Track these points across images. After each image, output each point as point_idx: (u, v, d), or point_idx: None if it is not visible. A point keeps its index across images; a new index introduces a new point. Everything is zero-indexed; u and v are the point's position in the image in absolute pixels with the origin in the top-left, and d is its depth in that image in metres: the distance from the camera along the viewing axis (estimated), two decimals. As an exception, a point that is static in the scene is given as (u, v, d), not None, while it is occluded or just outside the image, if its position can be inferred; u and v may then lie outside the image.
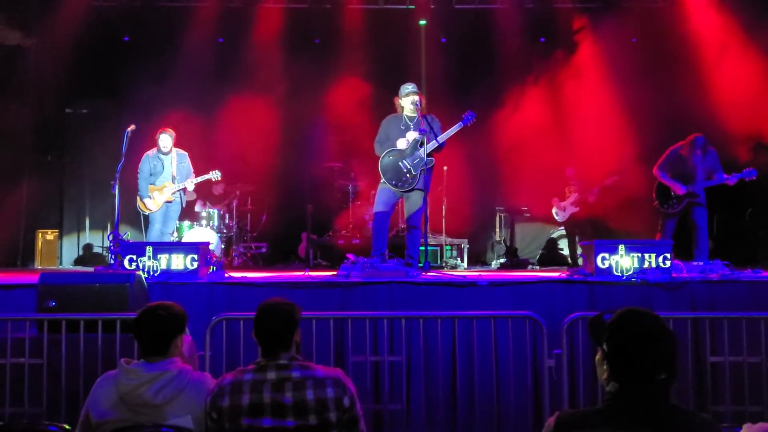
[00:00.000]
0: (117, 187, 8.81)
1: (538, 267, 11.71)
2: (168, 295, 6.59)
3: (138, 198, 9.92)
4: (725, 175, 9.02)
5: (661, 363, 2.67)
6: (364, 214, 12.05)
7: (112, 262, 8.30)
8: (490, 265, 12.26)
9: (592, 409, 2.77)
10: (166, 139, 9.88)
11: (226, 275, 8.01)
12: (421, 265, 8.17)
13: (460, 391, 6.43)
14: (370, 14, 13.17)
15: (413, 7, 13.45)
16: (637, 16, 12.45)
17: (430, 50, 13.56)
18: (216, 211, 11.66)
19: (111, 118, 12.69)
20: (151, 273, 7.28)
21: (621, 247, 7.28)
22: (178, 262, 7.37)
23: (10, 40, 12.43)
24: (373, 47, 12.81)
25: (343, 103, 12.16)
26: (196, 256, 7.40)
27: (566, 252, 12.24)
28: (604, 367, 2.77)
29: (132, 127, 9.08)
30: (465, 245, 11.94)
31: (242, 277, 7.79)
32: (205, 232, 11.06)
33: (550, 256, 12.44)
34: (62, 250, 13.30)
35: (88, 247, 13.47)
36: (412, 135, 8.32)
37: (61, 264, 13.00)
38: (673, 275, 7.18)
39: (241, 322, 5.67)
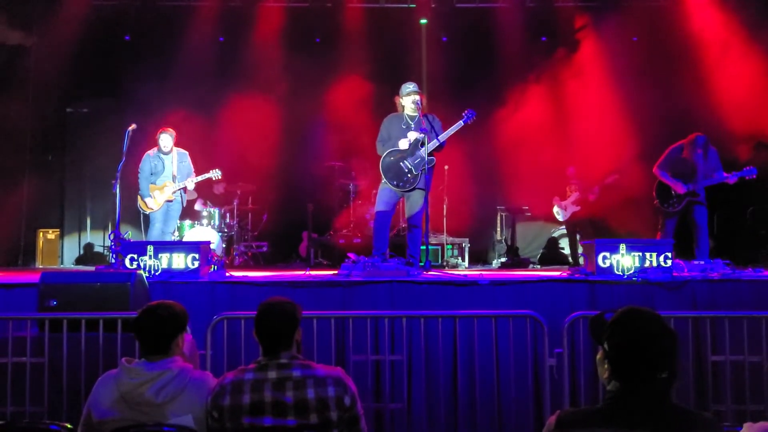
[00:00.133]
0: (118, 186, 8.81)
1: (539, 266, 11.71)
2: (169, 295, 6.61)
3: (139, 197, 9.94)
4: (725, 174, 9.01)
5: (662, 362, 2.67)
6: (365, 213, 12.05)
7: (113, 261, 8.30)
8: (491, 264, 12.26)
9: (593, 408, 2.77)
10: (166, 139, 9.89)
11: (227, 274, 8.03)
12: (422, 264, 8.17)
13: (461, 390, 6.44)
14: (370, 13, 13.17)
15: (414, 5, 13.44)
16: (638, 14, 12.44)
17: (430, 49, 13.55)
18: (217, 211, 11.66)
19: (112, 117, 12.69)
20: (153, 272, 7.28)
21: (622, 246, 7.29)
22: (179, 261, 7.38)
23: (11, 39, 12.42)
24: (374, 46, 12.81)
25: (344, 102, 12.16)
26: (197, 256, 7.41)
27: (567, 251, 12.23)
28: (605, 366, 2.77)
29: (133, 126, 9.08)
30: (466, 244, 11.93)
31: (243, 276, 7.80)
32: (206, 232, 11.06)
33: (551, 255, 12.44)
34: (63, 250, 13.30)
35: (89, 247, 13.47)
36: (414, 135, 8.32)
37: (62, 263, 13.00)
38: (674, 274, 7.19)
39: (242, 322, 5.67)
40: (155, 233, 9.83)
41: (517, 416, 5.98)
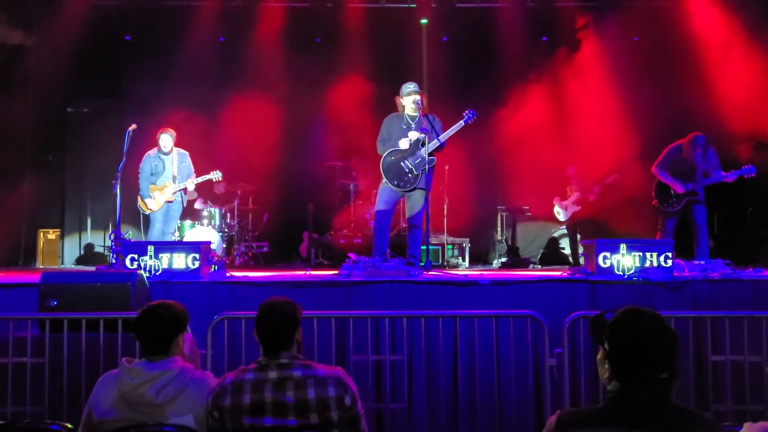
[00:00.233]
0: (118, 186, 8.80)
1: (539, 266, 11.72)
2: (169, 295, 6.61)
3: (139, 198, 9.94)
4: (723, 173, 9.01)
5: (663, 362, 2.68)
6: (366, 213, 12.05)
7: (113, 261, 8.30)
8: (492, 264, 12.26)
9: (594, 408, 2.77)
10: (166, 139, 9.89)
11: (228, 274, 8.03)
12: (422, 264, 8.17)
13: (461, 390, 6.44)
14: (371, 13, 13.16)
15: (414, 5, 13.43)
16: (638, 14, 12.43)
17: (431, 49, 13.54)
18: (217, 211, 11.66)
19: (112, 117, 12.70)
20: (153, 272, 7.28)
21: (622, 246, 7.29)
22: (180, 261, 7.38)
23: (12, 39, 12.42)
24: (375, 46, 12.81)
25: (345, 102, 12.16)
26: (197, 256, 7.41)
27: (568, 251, 12.24)
28: (606, 366, 2.77)
29: (133, 126, 9.07)
30: (466, 244, 11.93)
31: (244, 276, 7.81)
32: (206, 232, 11.05)
33: (551, 255, 12.44)
34: (64, 250, 13.30)
35: (89, 247, 13.47)
36: (415, 135, 8.32)
37: (62, 263, 13.00)
38: (675, 274, 7.20)
39: (243, 322, 5.67)
40: (155, 233, 9.84)
41: (518, 416, 5.98)
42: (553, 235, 12.87)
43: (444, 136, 8.34)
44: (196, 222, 11.34)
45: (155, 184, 9.87)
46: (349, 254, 7.86)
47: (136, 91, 12.09)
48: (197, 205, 11.60)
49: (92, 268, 9.29)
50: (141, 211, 9.96)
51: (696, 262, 8.03)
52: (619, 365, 2.72)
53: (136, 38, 13.27)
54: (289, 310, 3.69)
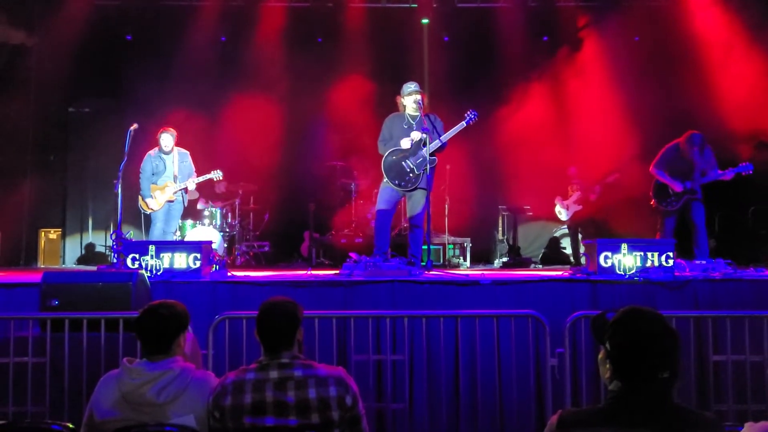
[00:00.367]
0: (120, 186, 8.79)
1: (540, 266, 11.72)
2: (171, 294, 6.61)
3: (140, 197, 9.94)
4: (720, 171, 9.01)
5: (664, 362, 2.68)
6: (367, 212, 12.05)
7: (114, 261, 8.29)
8: (493, 264, 12.25)
9: (595, 408, 2.77)
10: (167, 139, 9.89)
11: (229, 274, 8.03)
12: (423, 264, 8.17)
13: (462, 389, 6.44)
14: (372, 13, 13.16)
15: (416, 5, 13.43)
16: (639, 14, 12.43)
17: (432, 49, 13.54)
18: (219, 210, 11.65)
19: (113, 117, 12.70)
20: (154, 272, 7.29)
21: (624, 246, 7.29)
22: (181, 261, 7.39)
23: (13, 39, 12.42)
24: (376, 46, 12.81)
25: (346, 102, 12.15)
26: (198, 255, 7.41)
27: (569, 251, 12.24)
28: (607, 365, 2.77)
29: (134, 126, 9.06)
30: (468, 244, 11.93)
31: (245, 276, 7.81)
32: (207, 231, 11.05)
33: (552, 254, 12.44)
34: (65, 249, 13.32)
35: (90, 246, 13.48)
36: (417, 135, 8.32)
37: (64, 263, 13.01)
38: (676, 274, 7.19)
39: (244, 321, 5.67)
40: (157, 233, 9.84)
41: (519, 416, 5.98)
42: (555, 235, 12.87)
43: (446, 137, 8.34)
44: (198, 222, 11.34)
45: (156, 183, 9.88)
46: (350, 254, 7.86)
47: (137, 90, 12.09)
48: (199, 206, 11.60)
49: (93, 268, 9.28)
50: (142, 211, 9.96)
51: (697, 262, 8.03)
52: (620, 365, 2.72)
53: (137, 38, 13.26)
54: (290, 309, 3.69)
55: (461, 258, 11.82)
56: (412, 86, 8.50)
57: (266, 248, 12.56)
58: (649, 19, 12.33)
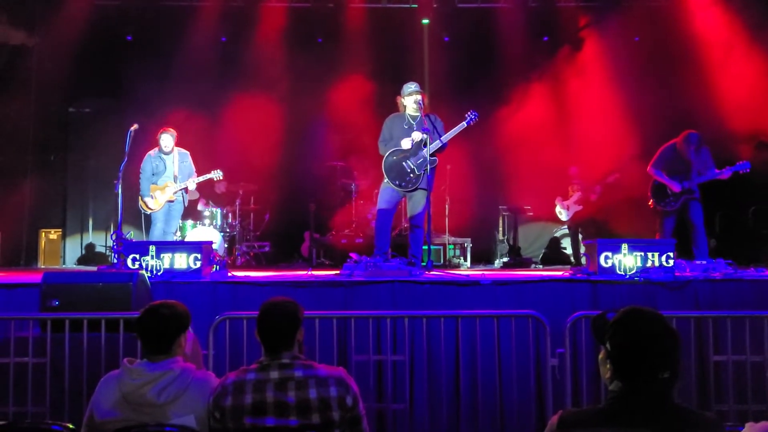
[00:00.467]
0: (120, 186, 8.80)
1: (541, 266, 11.73)
2: (171, 295, 6.60)
3: (140, 197, 9.94)
4: (717, 170, 9.01)
5: (664, 362, 2.68)
6: (367, 213, 12.05)
7: (115, 261, 8.30)
8: (494, 264, 12.26)
9: (595, 408, 2.77)
10: (167, 139, 9.89)
11: (230, 274, 8.03)
12: (424, 264, 8.17)
13: (463, 390, 6.44)
14: (372, 13, 13.16)
15: (416, 6, 13.43)
16: (640, 14, 12.43)
17: (432, 49, 13.54)
18: (219, 210, 11.65)
19: (114, 117, 12.67)
20: (155, 272, 7.28)
21: (624, 246, 7.29)
22: (182, 261, 7.38)
23: (14, 39, 12.43)
24: (376, 46, 12.81)
25: (346, 102, 12.15)
26: (199, 256, 7.41)
27: (569, 251, 12.24)
28: (607, 366, 2.77)
29: (135, 126, 9.07)
30: (468, 244, 11.93)
31: (245, 276, 7.81)
32: (208, 231, 11.05)
33: (553, 255, 12.45)
34: (65, 250, 13.33)
35: (91, 247, 13.49)
36: (418, 135, 8.31)
37: (64, 263, 13.02)
38: (676, 274, 7.19)
39: (244, 322, 5.67)
40: (157, 233, 9.83)
41: (519, 416, 5.98)
42: (555, 235, 12.88)
43: (446, 137, 8.34)
44: (198, 222, 11.33)
45: (156, 183, 9.87)
46: (351, 254, 7.86)
47: (137, 90, 12.08)
48: (200, 207, 11.60)
49: (94, 268, 9.28)
50: (142, 211, 9.96)
51: (697, 262, 8.02)
52: (620, 365, 2.72)
53: (138, 38, 13.26)
54: (290, 310, 3.69)
55: (462, 258, 11.83)
56: (413, 86, 8.50)
57: (267, 248, 12.57)
58: (649, 20, 12.33)
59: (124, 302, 5.97)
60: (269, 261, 12.43)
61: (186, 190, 10.07)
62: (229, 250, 11.82)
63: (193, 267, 7.36)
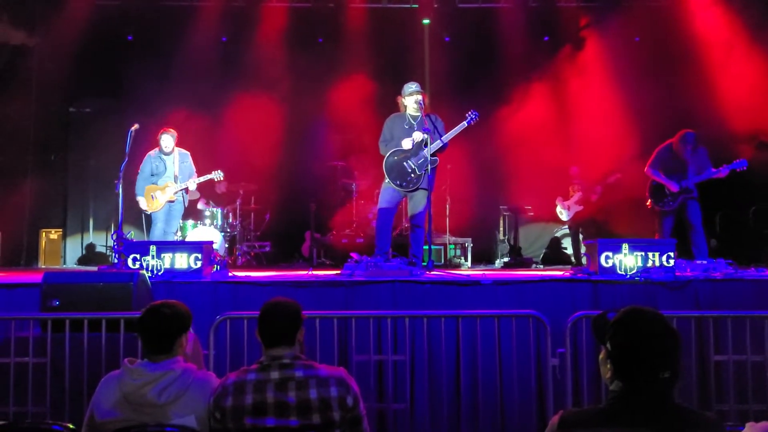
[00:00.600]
0: (121, 186, 8.79)
1: (541, 266, 11.73)
2: (172, 294, 6.61)
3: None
4: (713, 169, 9.01)
5: (665, 362, 2.67)
6: (368, 212, 12.06)
7: (115, 261, 8.30)
8: (494, 264, 12.26)
9: (596, 408, 2.77)
10: (167, 139, 9.89)
11: (230, 274, 8.03)
12: (424, 264, 8.16)
13: (463, 390, 6.44)
14: (373, 13, 13.16)
15: (416, 6, 13.43)
16: (640, 14, 12.42)
17: (433, 49, 13.54)
18: (220, 210, 11.65)
19: (114, 117, 12.67)
20: (155, 272, 7.28)
21: (625, 246, 7.29)
22: (182, 261, 7.38)
23: (14, 39, 12.43)
24: (377, 46, 12.81)
25: (347, 102, 12.14)
26: (199, 255, 7.41)
27: (570, 251, 12.24)
28: (608, 365, 2.77)
29: (135, 126, 9.06)
30: (469, 244, 11.94)
31: (246, 276, 7.81)
32: (208, 231, 11.05)
33: (553, 255, 12.45)
34: (66, 250, 13.33)
35: (91, 247, 13.49)
36: (419, 135, 8.31)
37: (64, 263, 13.02)
38: (677, 274, 7.19)
39: (245, 321, 5.67)
40: (157, 233, 9.83)
41: (520, 416, 5.97)
42: (556, 235, 12.88)
43: (447, 137, 8.34)
44: (199, 222, 11.33)
45: (157, 183, 9.87)
46: (352, 254, 7.86)
47: (138, 90, 12.07)
48: (200, 206, 11.60)
49: (94, 268, 9.27)
50: (143, 211, 9.96)
51: (698, 262, 8.02)
52: (621, 365, 2.71)
53: (138, 38, 13.26)
54: (291, 310, 3.70)
55: (462, 258, 11.83)
56: (413, 86, 8.49)
57: (267, 248, 12.57)
58: (649, 20, 12.32)
59: (124, 302, 5.97)
60: (270, 261, 12.43)
61: (186, 190, 10.06)
62: (230, 250, 11.82)
63: (194, 267, 7.36)
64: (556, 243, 12.75)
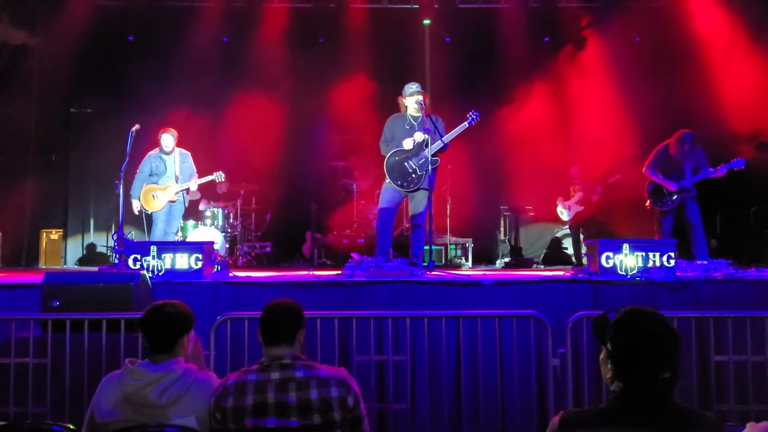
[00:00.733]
0: (121, 186, 8.80)
1: (542, 266, 11.72)
2: (172, 295, 6.60)
3: (140, 197, 9.92)
4: (711, 169, 9.02)
5: (665, 362, 2.67)
6: (369, 213, 12.06)
7: (116, 261, 8.30)
8: (495, 264, 12.25)
9: (597, 409, 2.77)
10: (168, 139, 9.88)
11: (231, 275, 8.03)
12: (425, 264, 8.16)
13: (464, 390, 6.43)
14: (373, 13, 13.16)
15: (417, 6, 13.43)
16: (641, 15, 12.42)
17: (434, 49, 13.53)
18: (220, 211, 11.65)
19: (115, 117, 12.69)
20: (156, 272, 7.28)
21: (625, 246, 7.29)
22: (183, 261, 7.38)
23: (15, 39, 12.43)
24: (377, 47, 12.81)
25: (347, 102, 12.15)
26: (200, 256, 7.41)
27: (571, 251, 12.24)
28: (609, 366, 2.77)
29: (136, 126, 9.06)
30: (469, 244, 11.94)
31: (247, 276, 7.81)
32: (209, 232, 11.05)
33: (554, 255, 12.44)
34: (66, 250, 13.32)
35: (92, 247, 13.49)
36: (420, 136, 8.31)
37: (65, 264, 13.02)
38: (678, 274, 7.18)
39: (246, 322, 5.67)
40: (158, 233, 9.83)
41: (521, 416, 5.97)
42: (556, 235, 12.87)
43: (448, 138, 8.34)
44: (199, 222, 11.33)
45: (157, 183, 9.86)
46: (352, 254, 7.86)
47: (138, 90, 12.06)
48: (201, 206, 11.60)
49: (95, 269, 9.27)
50: (144, 211, 9.95)
51: (698, 262, 8.02)
52: (621, 365, 2.71)
53: (139, 38, 13.26)
54: (292, 310, 3.71)
55: (463, 258, 11.83)
56: (414, 87, 8.49)
57: (268, 249, 12.57)
58: (650, 20, 12.32)
59: (125, 302, 5.97)
60: (270, 261, 12.43)
61: (188, 191, 10.06)
62: (231, 251, 11.82)
63: (195, 267, 7.36)
64: (556, 243, 12.75)
